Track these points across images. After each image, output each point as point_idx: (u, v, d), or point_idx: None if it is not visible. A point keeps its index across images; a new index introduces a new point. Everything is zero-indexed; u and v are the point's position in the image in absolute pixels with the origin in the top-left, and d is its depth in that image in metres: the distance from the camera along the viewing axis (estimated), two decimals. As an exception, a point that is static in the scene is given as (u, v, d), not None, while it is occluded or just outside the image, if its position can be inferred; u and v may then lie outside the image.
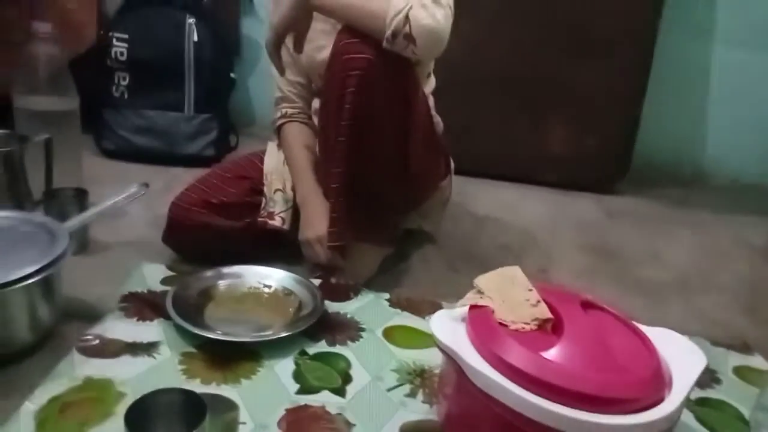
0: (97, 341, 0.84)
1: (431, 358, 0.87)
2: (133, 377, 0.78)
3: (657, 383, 0.66)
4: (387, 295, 1.05)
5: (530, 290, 0.75)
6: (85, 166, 1.32)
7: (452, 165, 1.28)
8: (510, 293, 0.75)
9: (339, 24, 0.97)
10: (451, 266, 1.19)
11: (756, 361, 0.96)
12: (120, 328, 0.88)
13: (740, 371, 0.93)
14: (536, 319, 0.71)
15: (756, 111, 1.89)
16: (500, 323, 0.71)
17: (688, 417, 0.81)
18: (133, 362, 0.81)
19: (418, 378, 0.84)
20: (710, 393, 0.87)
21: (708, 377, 0.90)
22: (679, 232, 1.48)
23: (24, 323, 0.79)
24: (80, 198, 1.10)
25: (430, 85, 1.19)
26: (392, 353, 0.89)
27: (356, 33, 0.93)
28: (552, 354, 0.66)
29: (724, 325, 1.07)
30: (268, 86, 1.23)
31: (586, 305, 0.75)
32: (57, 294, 0.85)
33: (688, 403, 0.82)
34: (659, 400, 0.64)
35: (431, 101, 1.18)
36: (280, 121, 1.18)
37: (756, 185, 1.90)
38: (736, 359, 0.96)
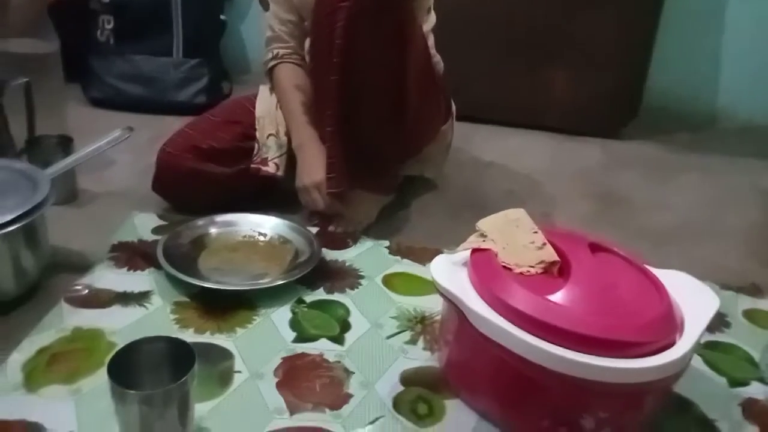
0: (87, 291, 0.82)
1: (432, 305, 0.84)
2: (124, 327, 0.76)
3: (668, 326, 0.63)
4: (386, 243, 1.02)
5: (535, 233, 0.72)
6: (71, 116, 1.27)
7: (454, 108, 1.22)
8: (514, 236, 0.72)
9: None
10: (453, 213, 1.16)
11: (766, 304, 0.93)
12: (110, 278, 0.85)
13: (750, 314, 0.90)
14: (542, 261, 0.68)
15: (772, 52, 1.81)
16: (504, 266, 0.67)
17: (697, 360, 0.78)
18: (123, 312, 0.79)
19: (418, 325, 0.81)
20: (720, 336, 0.85)
21: (717, 321, 0.87)
22: (687, 178, 1.44)
23: (8, 273, 0.77)
24: (64, 145, 1.05)
25: (429, 21, 1.12)
26: (392, 300, 0.86)
27: (348, -38, 0.86)
28: (558, 297, 0.63)
29: (732, 269, 1.04)
30: (262, 30, 1.16)
31: (594, 247, 0.71)
32: (42, 243, 0.81)
33: (697, 346, 0.80)
34: (670, 344, 0.61)
35: (431, 39, 1.12)
36: (271, 63, 1.12)
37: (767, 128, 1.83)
38: (746, 302, 0.93)
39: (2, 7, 1.13)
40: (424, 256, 0.97)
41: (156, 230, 0.99)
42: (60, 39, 1.23)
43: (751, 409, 0.72)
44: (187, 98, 1.58)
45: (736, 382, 0.76)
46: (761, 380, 0.76)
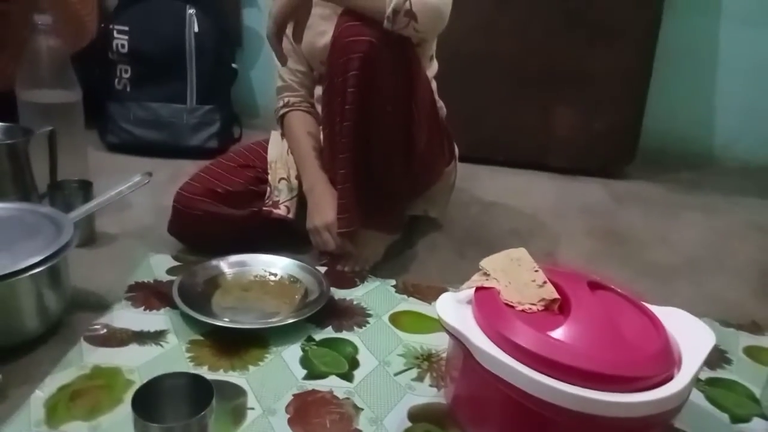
0: (105, 330, 0.85)
1: (438, 343, 0.87)
2: (141, 365, 0.78)
3: (666, 361, 0.65)
4: (393, 282, 1.05)
5: (536, 271, 0.75)
6: (89, 160, 1.33)
7: (456, 150, 1.27)
8: (516, 274, 0.75)
9: (339, 8, 0.96)
10: (458, 252, 1.19)
11: (766, 341, 0.95)
12: (127, 317, 0.88)
13: (751, 351, 0.92)
14: (543, 299, 0.71)
15: (767, 92, 1.86)
16: (507, 304, 0.70)
17: (698, 397, 0.80)
18: (140, 351, 0.81)
19: (425, 362, 0.84)
20: (721, 373, 0.86)
21: (718, 357, 0.89)
22: (688, 216, 1.47)
23: (32, 313, 0.80)
24: (85, 189, 1.10)
25: (432, 68, 1.18)
26: (399, 338, 0.89)
27: (357, 16, 0.93)
28: (559, 333, 0.65)
29: (734, 306, 1.06)
30: (271, 77, 1.22)
31: (594, 285, 0.74)
32: (64, 284, 0.85)
33: (699, 383, 0.81)
34: (668, 378, 0.63)
35: (434, 85, 1.17)
36: (282, 110, 1.18)
37: (766, 167, 1.87)
38: (747, 339, 0.95)
39: (32, 60, 1.19)
40: (429, 294, 1.00)
41: (171, 271, 1.02)
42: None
43: (752, 444, 0.73)
44: (200, 142, 1.65)
45: (737, 419, 0.77)
46: (762, 416, 0.78)
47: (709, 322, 0.81)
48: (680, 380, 0.63)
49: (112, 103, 1.64)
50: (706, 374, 0.85)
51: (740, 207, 1.55)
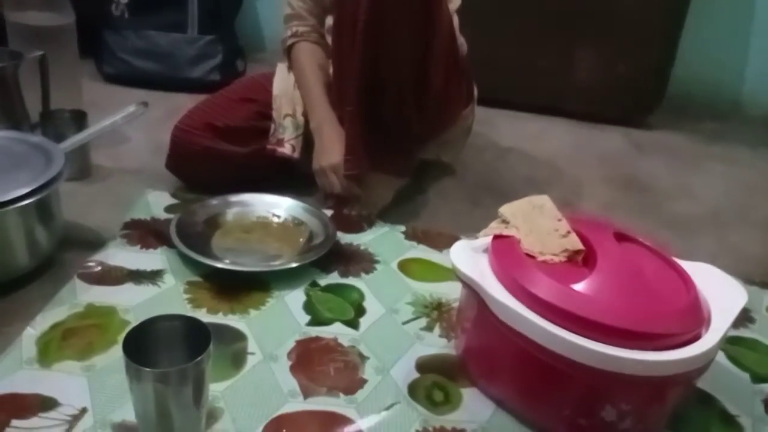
0: (99, 268, 0.81)
1: (448, 292, 0.83)
2: (137, 305, 0.75)
3: (694, 319, 0.61)
4: (402, 228, 1.00)
5: (560, 220, 0.70)
6: (85, 91, 1.26)
7: (475, 92, 1.19)
8: (538, 223, 0.70)
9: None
10: (471, 199, 1.14)
11: (791, 301, 0.91)
12: (122, 255, 0.84)
13: (775, 310, 0.88)
14: (566, 250, 0.66)
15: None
16: (527, 254, 0.66)
17: (720, 355, 0.76)
18: (136, 290, 0.78)
19: (434, 311, 0.80)
20: (743, 332, 0.83)
21: (741, 316, 0.85)
22: (712, 167, 1.40)
23: (22, 247, 0.76)
24: (78, 120, 1.04)
25: (454, 2, 1.09)
26: (408, 286, 0.85)
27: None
28: (583, 287, 0.61)
29: (757, 261, 1.02)
30: (279, 7, 1.14)
31: (620, 237, 0.69)
32: (56, 218, 0.80)
33: (723, 341, 0.78)
34: (696, 337, 0.60)
35: (456, 20, 1.09)
36: (290, 41, 1.10)
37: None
38: (771, 298, 0.91)
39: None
40: (440, 242, 0.96)
41: (169, 209, 0.98)
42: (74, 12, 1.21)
43: (775, 406, 0.70)
44: (201, 75, 1.56)
45: (759, 378, 0.74)
46: (785, 377, 0.75)
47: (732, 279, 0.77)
48: (709, 339, 0.60)
49: (108, 31, 1.55)
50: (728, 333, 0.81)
51: (766, 159, 1.48)
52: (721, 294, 0.66)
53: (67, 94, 1.15)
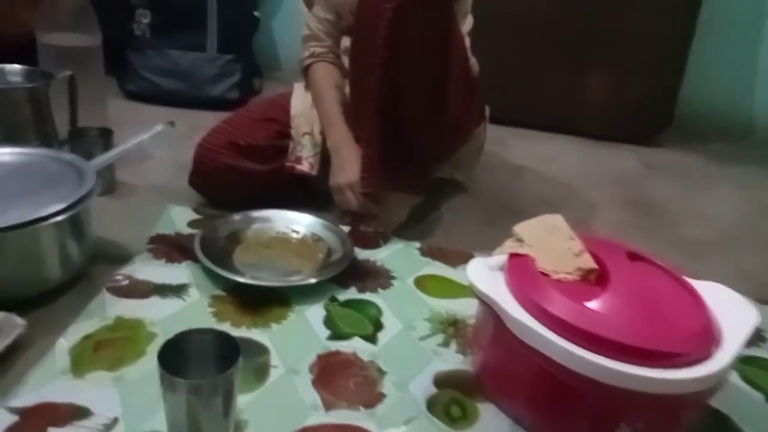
0: (127, 282, 0.84)
1: (464, 309, 0.85)
2: (164, 318, 0.77)
3: (706, 338, 0.62)
4: (418, 244, 1.02)
5: (573, 239, 0.72)
6: (109, 108, 1.30)
7: (487, 111, 1.22)
8: (551, 242, 0.72)
9: (374, -46, 0.90)
10: (485, 217, 1.16)
11: (803, 321, 0.92)
12: (149, 269, 0.87)
13: (787, 330, 0.89)
14: (580, 269, 0.68)
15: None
16: (542, 272, 0.68)
17: (733, 375, 0.78)
18: (162, 303, 0.80)
19: (451, 328, 0.82)
20: (756, 351, 0.84)
21: (754, 335, 0.86)
22: (723, 189, 1.42)
23: (55, 261, 0.79)
24: (105, 137, 1.07)
25: (467, 24, 1.13)
26: (424, 302, 0.87)
27: (392, -37, 0.87)
28: (596, 305, 0.63)
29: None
30: (295, 28, 1.18)
31: (633, 257, 0.71)
32: (87, 233, 0.84)
33: (736, 360, 0.79)
34: (707, 356, 0.61)
35: (468, 41, 1.12)
36: (307, 61, 1.13)
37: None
38: (783, 318, 0.92)
39: (52, 2, 1.15)
40: (455, 259, 0.98)
41: (192, 224, 1.01)
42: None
43: (787, 425, 0.71)
44: (220, 93, 1.61)
45: (772, 398, 0.75)
46: (797, 397, 0.76)
47: (744, 298, 0.78)
48: (721, 359, 0.61)
49: (131, 51, 1.60)
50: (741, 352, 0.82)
51: (776, 181, 1.49)
52: (733, 313, 0.67)
53: (94, 112, 1.19)
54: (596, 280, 0.68)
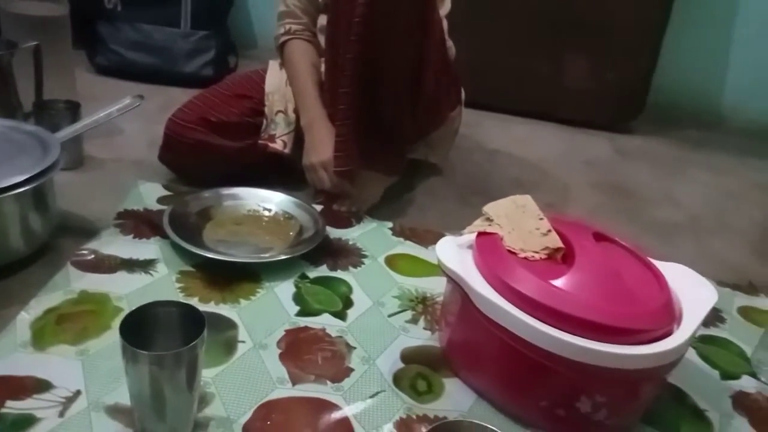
0: (93, 256, 0.82)
1: (433, 287, 0.86)
2: (130, 293, 0.76)
3: (666, 315, 0.64)
4: (390, 224, 1.03)
5: (541, 219, 0.73)
6: (77, 82, 1.26)
7: (463, 95, 1.22)
8: (520, 221, 0.73)
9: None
10: (458, 198, 1.17)
11: (761, 302, 0.95)
12: (116, 244, 0.86)
13: (745, 311, 0.92)
14: (546, 248, 0.69)
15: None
16: (509, 251, 0.68)
17: (691, 353, 0.80)
18: (129, 278, 0.79)
19: (419, 305, 0.82)
20: (715, 331, 0.86)
21: (713, 316, 0.89)
22: (693, 174, 1.45)
23: (17, 233, 0.77)
24: (72, 110, 1.05)
25: (445, 6, 1.12)
26: (394, 280, 0.87)
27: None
28: (561, 283, 0.64)
29: (733, 267, 1.06)
30: (271, 5, 1.16)
31: (598, 237, 0.73)
32: (51, 206, 0.82)
33: (692, 340, 0.81)
34: (668, 333, 0.63)
35: (445, 24, 1.11)
36: (283, 38, 1.12)
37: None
38: (742, 300, 0.95)
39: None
40: (426, 239, 0.98)
41: (161, 200, 0.99)
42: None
43: (741, 401, 0.74)
44: (194, 70, 1.58)
45: (728, 376, 0.78)
46: (752, 374, 0.78)
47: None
48: (679, 336, 0.63)
49: (101, 23, 1.56)
50: (700, 332, 0.84)
51: (746, 167, 1.53)
52: (693, 293, 0.69)
53: (60, 84, 1.15)
54: (562, 259, 0.69)
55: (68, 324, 0.70)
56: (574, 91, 1.63)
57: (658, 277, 0.69)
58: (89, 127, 0.92)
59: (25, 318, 0.70)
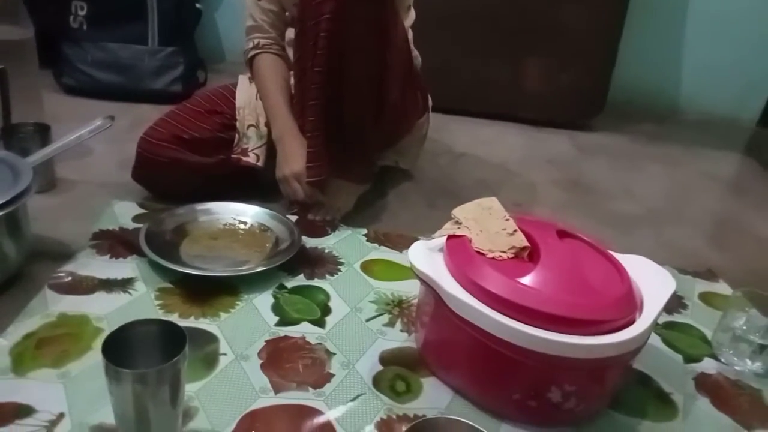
0: (70, 278, 0.83)
1: (408, 290, 0.88)
2: (110, 313, 0.77)
3: (628, 306, 0.68)
4: (364, 231, 1.05)
5: (507, 220, 0.76)
6: (45, 103, 1.26)
7: (430, 102, 1.25)
8: (487, 223, 0.76)
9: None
10: (428, 202, 1.20)
11: (720, 287, 1.00)
12: (93, 265, 0.86)
13: (705, 296, 0.97)
14: (513, 247, 0.72)
15: (732, 49, 1.89)
16: (478, 252, 0.71)
17: (655, 339, 0.84)
18: (108, 298, 0.80)
19: (396, 308, 0.85)
20: (677, 317, 0.91)
21: (675, 303, 0.94)
22: (650, 167, 1.51)
23: (-9, 261, 0.77)
24: (42, 133, 1.05)
25: (410, 18, 1.15)
26: (370, 285, 0.90)
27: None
28: (528, 280, 0.67)
29: (691, 254, 1.11)
30: (238, 19, 1.17)
31: (562, 234, 0.76)
32: (24, 231, 0.82)
33: (657, 326, 0.85)
34: (630, 322, 0.66)
35: (410, 35, 1.14)
36: (252, 52, 1.13)
37: (726, 121, 1.92)
38: (702, 286, 1.00)
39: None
40: (400, 243, 1.01)
41: (136, 218, 1.00)
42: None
43: (703, 382, 0.78)
44: (163, 86, 1.58)
45: (690, 359, 0.82)
46: (713, 356, 0.83)
47: (668, 269, 0.85)
48: (641, 324, 0.66)
49: (67, 43, 1.55)
50: (663, 318, 0.89)
51: (700, 158, 1.60)
52: (653, 283, 0.73)
53: (29, 107, 1.15)
54: (528, 257, 0.72)
55: (48, 348, 0.70)
56: (536, 93, 1.68)
57: (620, 270, 0.72)
58: (60, 150, 0.92)
59: (3, 344, 0.70)
